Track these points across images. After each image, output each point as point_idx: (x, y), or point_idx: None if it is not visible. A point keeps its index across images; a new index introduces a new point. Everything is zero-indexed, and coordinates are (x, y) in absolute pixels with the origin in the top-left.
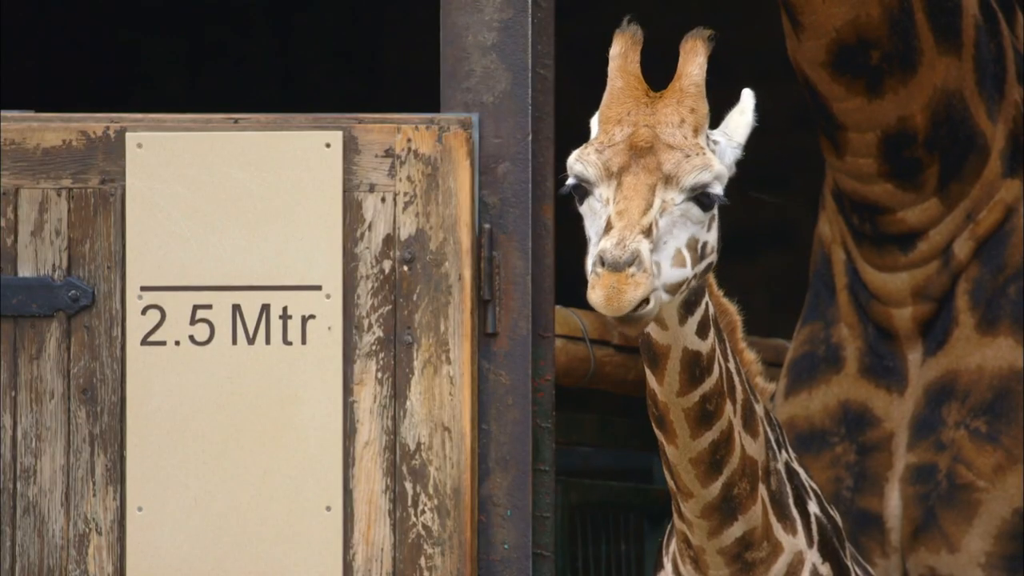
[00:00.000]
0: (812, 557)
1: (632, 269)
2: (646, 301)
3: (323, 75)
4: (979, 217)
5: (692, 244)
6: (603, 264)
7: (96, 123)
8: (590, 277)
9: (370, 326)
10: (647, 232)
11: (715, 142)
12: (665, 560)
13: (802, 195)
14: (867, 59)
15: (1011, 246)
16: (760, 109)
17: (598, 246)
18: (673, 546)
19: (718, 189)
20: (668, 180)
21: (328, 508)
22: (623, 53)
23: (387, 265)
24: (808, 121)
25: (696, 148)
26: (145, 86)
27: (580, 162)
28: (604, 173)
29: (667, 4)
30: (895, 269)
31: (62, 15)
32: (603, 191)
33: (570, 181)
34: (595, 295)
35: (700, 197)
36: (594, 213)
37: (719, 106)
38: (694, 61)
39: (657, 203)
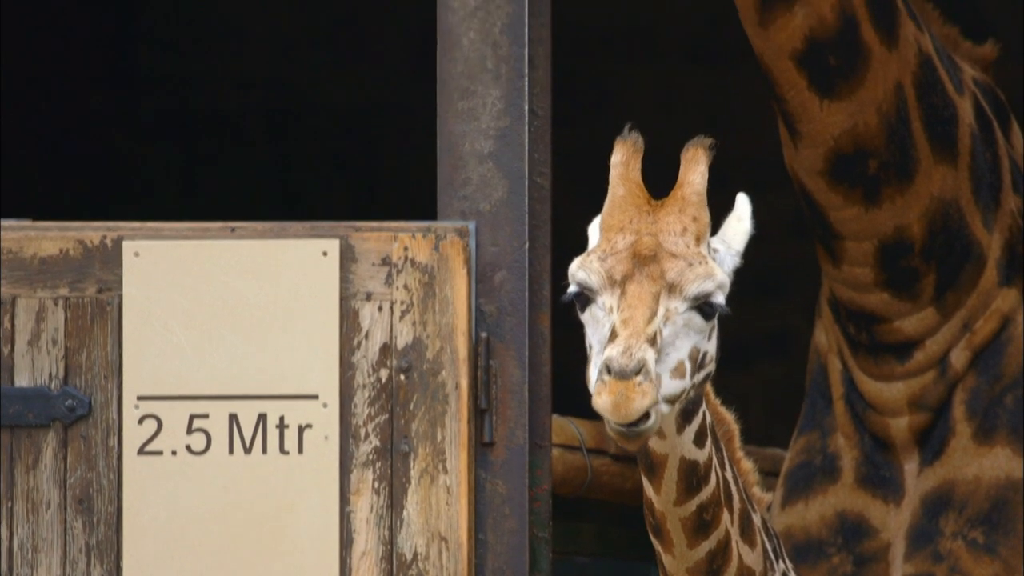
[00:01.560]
0: None
1: (639, 378)
2: (647, 416)
3: (320, 183)
4: (976, 326)
5: (693, 354)
6: (610, 372)
7: (93, 232)
8: (595, 385)
9: (367, 435)
10: (652, 341)
11: (715, 250)
12: None
13: (798, 304)
14: (864, 168)
15: (1008, 356)
16: (756, 217)
17: (603, 354)
18: None
19: (720, 298)
20: (672, 289)
21: None
22: (624, 161)
23: (384, 374)
24: (804, 230)
25: (699, 257)
26: (143, 195)
27: (583, 270)
28: (607, 281)
29: (666, 112)
30: (891, 379)
31: (60, 124)
32: (606, 299)
33: (572, 289)
34: (602, 401)
35: (702, 306)
36: (597, 321)
37: (715, 213)
38: (696, 170)
39: (661, 312)
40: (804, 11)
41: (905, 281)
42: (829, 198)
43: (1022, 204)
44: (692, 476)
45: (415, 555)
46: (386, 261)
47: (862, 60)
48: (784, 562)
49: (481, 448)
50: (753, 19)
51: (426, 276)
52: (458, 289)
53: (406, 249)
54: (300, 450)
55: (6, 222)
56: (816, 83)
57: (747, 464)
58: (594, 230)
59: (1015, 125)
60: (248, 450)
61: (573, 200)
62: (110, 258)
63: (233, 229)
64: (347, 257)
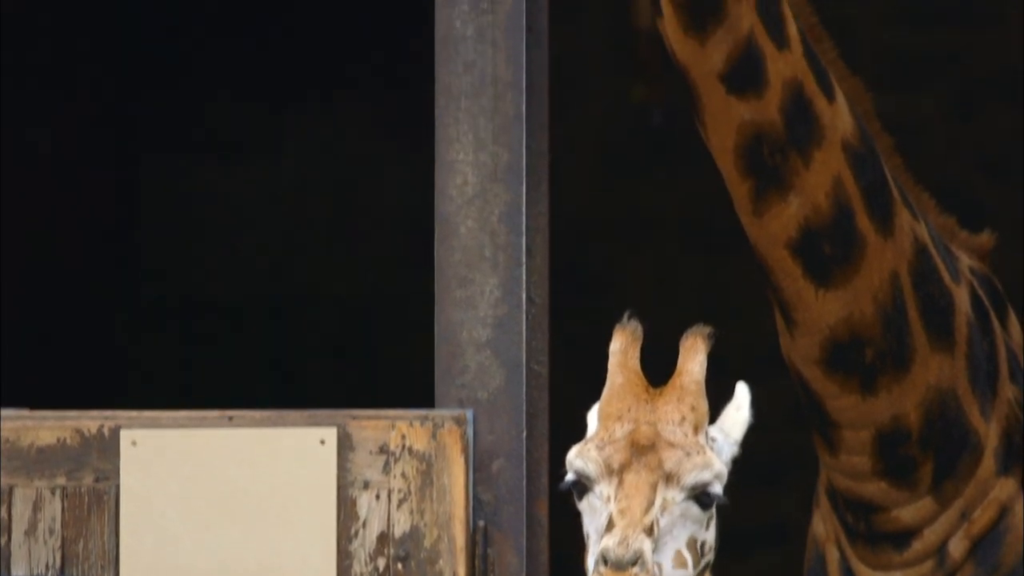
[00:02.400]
0: None
1: (635, 569)
2: None
3: (318, 370)
4: (974, 516)
5: (692, 543)
6: (606, 563)
7: (91, 420)
8: (592, 575)
9: None
10: (649, 531)
11: (713, 439)
12: None
13: (796, 493)
14: (861, 357)
15: (1006, 545)
16: (755, 406)
17: (600, 544)
18: None
19: (718, 488)
20: (669, 479)
21: None
22: (623, 349)
23: (381, 563)
24: (801, 419)
25: (697, 447)
26: (141, 382)
27: (580, 458)
28: (605, 470)
29: (665, 299)
30: (889, 568)
31: (58, 310)
32: (604, 488)
33: (569, 477)
34: None
35: (700, 496)
36: (594, 510)
37: (714, 402)
38: (694, 358)
39: (658, 501)
40: (798, 200)
41: (903, 470)
42: (825, 387)
43: (1020, 394)
44: None
45: None
46: (384, 449)
47: (857, 249)
48: None
49: None
50: (747, 208)
51: (424, 464)
52: (456, 477)
53: (404, 437)
54: None
55: (4, 412)
56: (811, 272)
57: None
58: (592, 418)
59: (1012, 315)
60: None
61: (572, 387)
62: (107, 447)
63: (231, 418)
64: (345, 445)
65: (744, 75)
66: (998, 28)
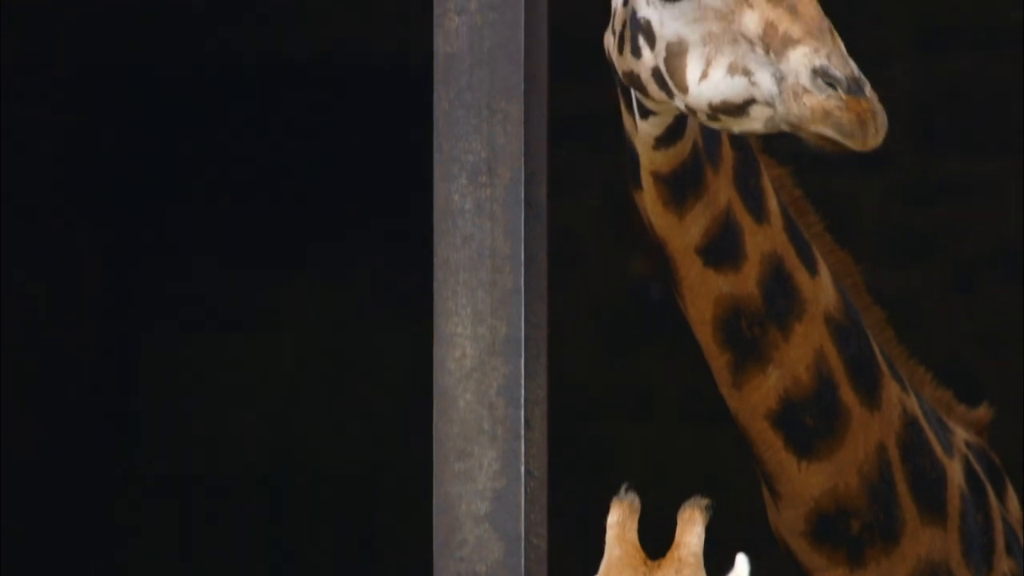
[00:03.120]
0: None
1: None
2: None
3: (316, 544)
4: None
5: None
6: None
7: None
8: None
9: None
10: None
11: None
12: None
13: None
14: (847, 528)
15: None
16: None
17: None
18: None
19: None
20: None
21: None
22: (620, 522)
23: None
24: None
25: None
26: (142, 559)
27: None
28: None
29: (662, 472)
30: None
31: (56, 487)
32: None
33: None
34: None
35: None
36: None
37: (712, 573)
38: (692, 530)
39: None
40: (778, 372)
41: None
42: (813, 559)
43: (1018, 568)
44: None
45: None
46: None
47: (841, 421)
48: None
49: None
50: (726, 380)
51: None
52: None
53: None
54: None
55: None
56: (793, 443)
57: None
58: None
59: (1011, 489)
60: None
61: (570, 561)
62: None
63: None
64: None
65: (722, 249)
66: (996, 206)
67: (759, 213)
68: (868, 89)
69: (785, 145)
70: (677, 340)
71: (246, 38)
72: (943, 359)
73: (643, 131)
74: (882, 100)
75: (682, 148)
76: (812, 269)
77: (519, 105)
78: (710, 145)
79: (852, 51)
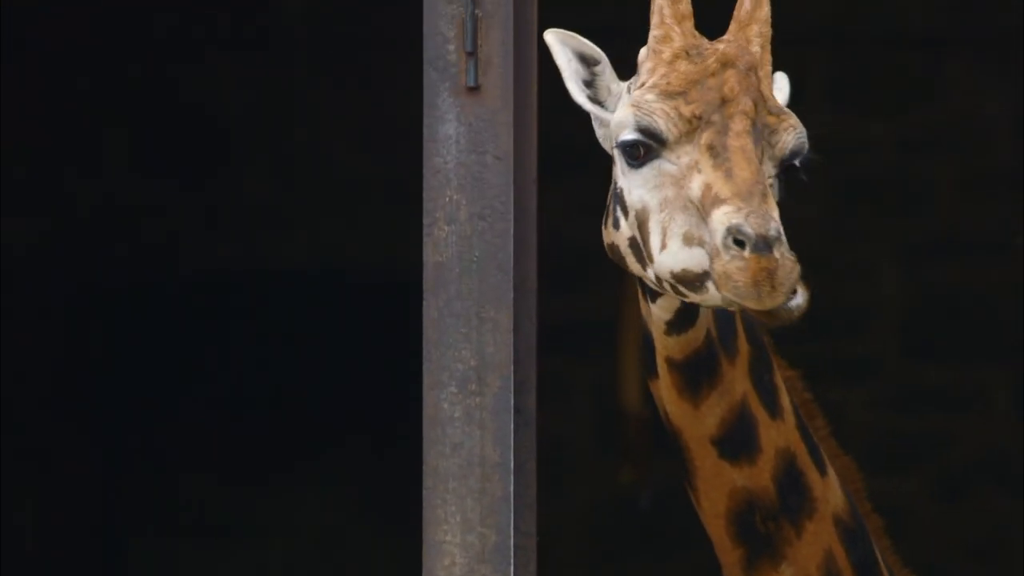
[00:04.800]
0: None
1: (778, 252)
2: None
3: None
4: None
5: None
6: (741, 245)
7: None
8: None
9: None
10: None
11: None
12: None
13: None
14: None
15: None
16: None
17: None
18: None
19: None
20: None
21: None
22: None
23: None
24: None
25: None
26: None
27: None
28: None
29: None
30: None
31: None
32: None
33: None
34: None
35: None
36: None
37: None
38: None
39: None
40: (791, 570)
41: None
42: None
43: None
44: None
45: None
46: None
47: None
48: None
49: None
50: None
51: None
52: None
53: None
54: None
55: None
56: None
57: None
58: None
59: None
60: None
61: None
62: None
63: None
64: None
65: (737, 441)
66: (984, 412)
67: (773, 408)
68: (779, 248)
69: (797, 349)
70: (667, 549)
71: (236, 250)
72: (933, 569)
73: (654, 315)
74: (800, 264)
75: (695, 335)
76: (822, 469)
77: (508, 314)
78: (725, 336)
79: (840, 259)
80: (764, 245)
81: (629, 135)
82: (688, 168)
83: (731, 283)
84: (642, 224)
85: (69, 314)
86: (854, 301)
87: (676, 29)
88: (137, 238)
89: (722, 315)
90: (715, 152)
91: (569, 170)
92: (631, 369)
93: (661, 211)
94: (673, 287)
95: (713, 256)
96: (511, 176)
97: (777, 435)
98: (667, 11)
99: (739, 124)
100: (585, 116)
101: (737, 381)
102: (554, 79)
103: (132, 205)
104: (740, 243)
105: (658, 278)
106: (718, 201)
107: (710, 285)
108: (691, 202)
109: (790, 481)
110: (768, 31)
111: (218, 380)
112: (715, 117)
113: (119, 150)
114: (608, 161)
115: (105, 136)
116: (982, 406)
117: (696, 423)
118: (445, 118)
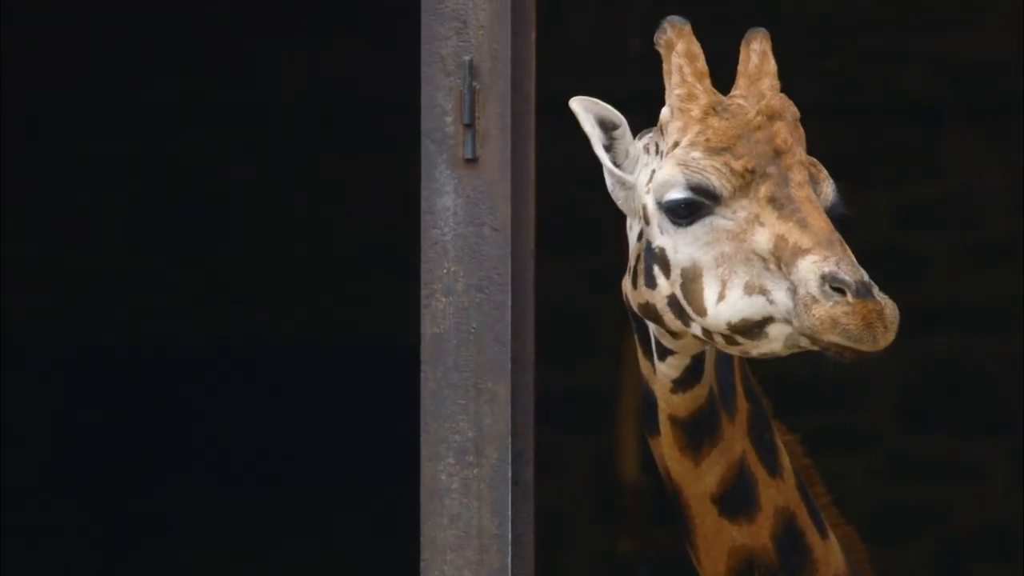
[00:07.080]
0: None
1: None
2: None
3: None
4: None
5: None
6: (842, 292)
7: None
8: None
9: None
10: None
11: None
12: None
13: None
14: None
15: None
16: None
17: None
18: None
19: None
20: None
21: None
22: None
23: None
24: None
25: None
26: None
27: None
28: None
29: None
30: None
31: None
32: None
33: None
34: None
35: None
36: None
37: None
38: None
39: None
40: None
41: None
42: None
43: None
44: None
45: None
46: None
47: None
48: None
49: None
50: None
51: None
52: None
53: None
54: None
55: None
56: None
57: None
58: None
59: None
60: None
61: None
62: None
63: None
64: None
65: (737, 498)
66: (983, 484)
67: (773, 467)
68: (876, 291)
69: (794, 417)
70: None
71: (232, 320)
72: None
73: (661, 373)
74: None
75: (699, 392)
76: (823, 532)
77: (506, 385)
78: (726, 394)
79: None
80: (865, 290)
81: (678, 194)
82: (747, 222)
83: (839, 327)
84: (692, 280)
85: (64, 382)
86: (853, 371)
87: (698, 87)
88: (137, 307)
89: (722, 374)
90: (779, 204)
91: (568, 241)
92: (629, 439)
93: (718, 266)
94: (726, 337)
95: (807, 304)
96: (509, 248)
97: (776, 494)
98: (687, 70)
99: (799, 175)
100: (585, 189)
101: (736, 439)
102: (550, 150)
103: (129, 275)
104: (838, 290)
105: (706, 331)
106: (800, 251)
107: (771, 330)
108: (755, 254)
109: (790, 540)
110: (778, 84)
111: (216, 451)
112: (771, 169)
113: (116, 222)
114: (612, 227)
115: (104, 207)
116: (981, 478)
117: (697, 480)
118: (443, 190)
